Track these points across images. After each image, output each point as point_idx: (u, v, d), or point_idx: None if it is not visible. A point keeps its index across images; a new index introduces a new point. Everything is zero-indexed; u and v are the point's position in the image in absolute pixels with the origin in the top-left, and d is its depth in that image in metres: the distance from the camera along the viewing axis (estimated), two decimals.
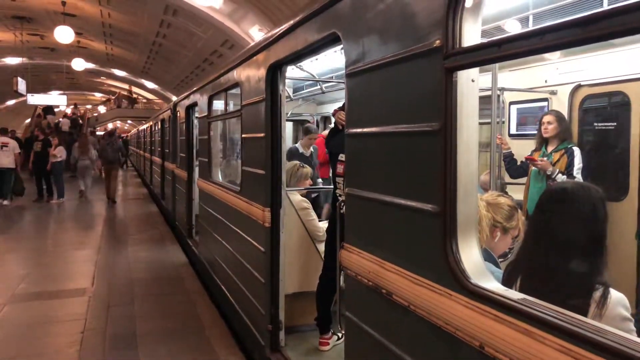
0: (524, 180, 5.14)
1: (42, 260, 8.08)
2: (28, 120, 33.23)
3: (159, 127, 14.26)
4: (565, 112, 5.16)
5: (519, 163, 5.17)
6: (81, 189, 15.88)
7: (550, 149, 4.83)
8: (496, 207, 2.47)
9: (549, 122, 4.79)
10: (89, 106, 40.24)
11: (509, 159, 5.21)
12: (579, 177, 4.56)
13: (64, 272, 7.48)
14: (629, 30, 1.18)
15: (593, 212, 1.88)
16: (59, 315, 5.55)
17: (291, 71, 5.82)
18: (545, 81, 5.47)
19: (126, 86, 39.07)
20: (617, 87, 4.90)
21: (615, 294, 1.80)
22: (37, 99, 28.76)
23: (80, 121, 32.52)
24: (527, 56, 1.66)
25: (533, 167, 4.82)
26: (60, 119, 30.54)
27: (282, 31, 3.57)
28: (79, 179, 15.84)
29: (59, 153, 14.90)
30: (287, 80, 3.97)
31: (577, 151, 4.67)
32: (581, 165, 4.63)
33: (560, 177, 4.54)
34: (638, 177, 4.64)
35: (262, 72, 3.99)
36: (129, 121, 52.95)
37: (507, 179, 5.47)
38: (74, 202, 15.25)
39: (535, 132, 5.47)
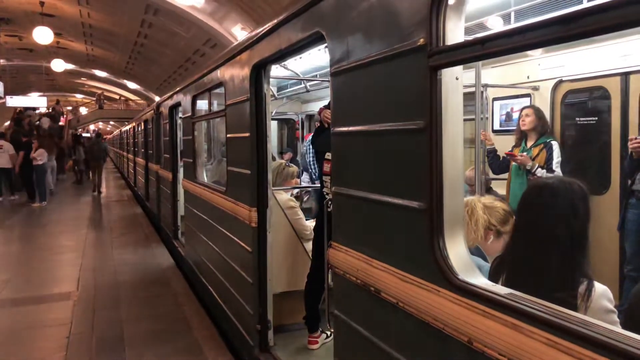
0: (507, 175, 5.20)
1: (25, 265, 7.95)
2: (7, 123, 32.67)
3: (142, 128, 14.12)
4: (547, 108, 5.24)
5: (501, 159, 5.23)
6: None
7: (529, 144, 4.90)
8: (492, 210, 2.52)
9: (526, 115, 4.88)
10: (69, 108, 39.61)
11: (492, 154, 5.26)
12: (558, 170, 4.64)
13: (47, 276, 7.38)
14: (608, 28, 1.20)
15: (575, 206, 1.90)
16: (43, 320, 5.47)
17: (275, 70, 5.79)
18: (528, 77, 5.54)
19: (106, 87, 38.59)
20: (597, 82, 4.98)
21: (599, 287, 1.83)
22: (16, 101, 28.33)
23: (62, 118, 31.98)
24: (510, 54, 1.68)
25: (514, 163, 4.88)
26: (40, 119, 30.06)
27: (265, 30, 3.56)
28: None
29: (39, 156, 14.75)
30: (271, 79, 3.96)
31: (555, 145, 4.74)
32: (560, 159, 4.71)
33: (540, 172, 4.61)
34: (619, 171, 4.73)
35: (246, 72, 3.97)
36: (112, 122, 52.40)
37: (492, 174, 5.53)
38: (57, 205, 15.04)
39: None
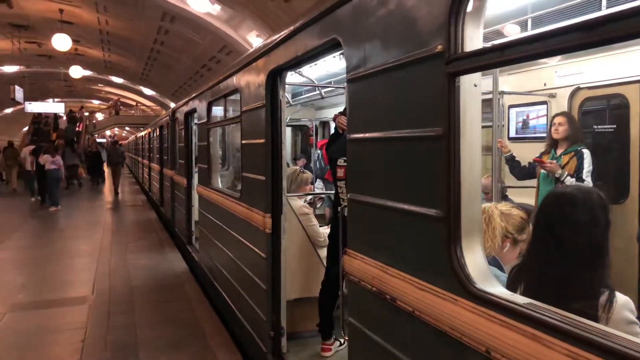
0: (527, 183, 5.12)
1: (42, 269, 8.05)
2: (26, 129, 33.23)
3: (158, 133, 14.26)
4: None
5: (522, 164, 5.13)
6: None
7: (559, 151, 4.72)
8: (509, 217, 2.49)
9: (559, 124, 4.68)
10: (86, 114, 40.16)
11: (512, 161, 5.18)
12: (588, 180, 4.44)
13: (63, 280, 7.45)
14: (630, 35, 1.18)
15: (594, 216, 1.87)
16: (59, 324, 5.53)
17: (290, 76, 5.81)
18: (545, 84, 5.49)
19: (122, 93, 39.10)
20: (616, 90, 4.91)
21: (621, 298, 1.79)
22: (35, 107, 28.82)
23: (79, 118, 32.54)
24: (530, 60, 1.67)
25: (542, 170, 4.75)
26: (58, 119, 30.66)
27: (282, 37, 3.57)
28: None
29: (44, 161, 15.05)
30: (286, 86, 3.98)
31: (587, 154, 4.54)
32: (591, 168, 4.50)
33: (569, 180, 4.41)
34: (638, 179, 4.65)
35: (261, 78, 3.99)
36: (127, 128, 53.02)
37: (508, 182, 5.47)
38: (72, 210, 15.23)
39: (534, 135, 5.47)
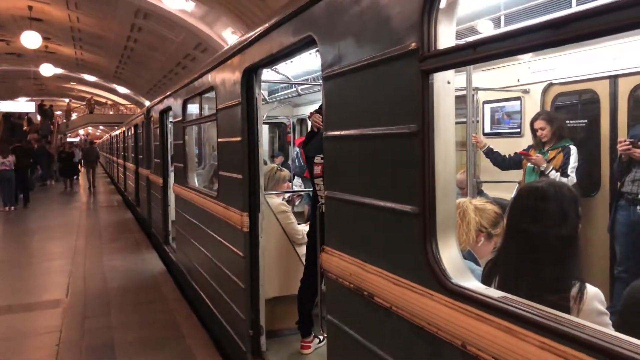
0: (503, 177, 5.19)
1: (12, 272, 7.86)
2: None
3: (132, 132, 14.04)
4: (537, 110, 5.26)
5: (503, 154, 5.20)
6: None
7: (547, 147, 4.80)
8: (483, 212, 2.53)
9: (541, 128, 4.76)
10: (59, 112, 39.26)
11: (491, 153, 5.24)
12: (573, 175, 4.55)
13: (36, 283, 7.29)
14: (599, 32, 1.21)
15: (565, 210, 1.92)
16: (32, 328, 5.41)
17: (266, 74, 5.79)
18: (518, 80, 5.57)
19: (95, 91, 38.34)
20: (586, 86, 5.02)
21: (591, 289, 1.84)
22: (5, 106, 28.08)
23: (51, 113, 31.80)
24: (502, 58, 1.69)
25: (528, 163, 4.82)
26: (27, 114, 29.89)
27: (257, 34, 3.55)
28: None
29: None
30: (262, 83, 3.95)
31: (573, 150, 4.63)
32: (576, 164, 4.60)
33: (554, 174, 4.52)
34: (609, 173, 4.77)
35: (237, 76, 3.96)
36: (101, 127, 52.04)
37: (483, 177, 5.55)
38: (45, 211, 14.89)
39: (509, 130, 5.55)
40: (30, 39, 17.64)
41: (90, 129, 54.08)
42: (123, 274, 7.60)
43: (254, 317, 3.87)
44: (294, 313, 4.24)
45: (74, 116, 39.01)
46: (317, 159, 3.88)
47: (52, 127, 31.42)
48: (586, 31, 1.22)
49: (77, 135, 47.58)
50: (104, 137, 41.18)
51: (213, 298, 5.01)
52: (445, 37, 1.76)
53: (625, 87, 4.67)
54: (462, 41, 1.77)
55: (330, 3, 2.43)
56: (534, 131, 4.86)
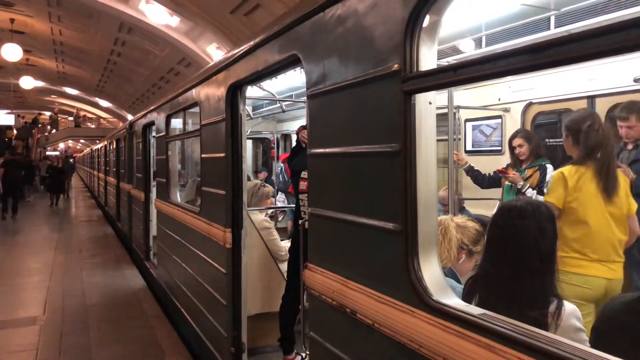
0: (485, 195, 5.26)
1: None
2: None
3: (114, 146, 13.91)
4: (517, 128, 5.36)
5: (484, 173, 5.27)
6: None
7: (524, 165, 4.87)
8: (464, 229, 2.56)
9: (519, 145, 4.82)
10: (39, 125, 38.70)
11: (472, 171, 5.31)
12: None
13: (12, 300, 7.12)
14: (576, 58, 1.26)
15: (543, 228, 1.96)
16: (8, 346, 5.26)
17: (251, 90, 5.81)
18: (499, 99, 5.70)
19: (77, 104, 37.95)
20: (565, 105, 5.16)
21: (568, 306, 1.88)
22: None
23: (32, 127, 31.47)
24: (481, 80, 1.74)
25: (506, 182, 4.88)
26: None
27: (242, 51, 3.58)
28: None
29: None
30: (247, 100, 3.97)
31: (550, 168, 4.70)
32: None
33: (530, 192, 4.58)
34: None
35: (222, 92, 3.97)
36: (82, 140, 51.43)
37: (465, 194, 5.62)
38: (22, 225, 14.61)
39: (491, 148, 5.64)
40: (11, 52, 17.46)
41: (70, 143, 53.42)
42: (103, 290, 7.46)
43: (236, 334, 3.84)
44: (276, 330, 4.22)
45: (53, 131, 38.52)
46: (304, 174, 3.90)
47: (33, 131, 31.05)
48: (564, 56, 1.26)
49: (57, 148, 46.90)
50: (85, 150, 40.64)
51: (194, 315, 4.95)
52: (427, 58, 1.80)
53: (602, 107, 4.80)
54: (444, 61, 1.82)
55: (315, 23, 2.47)
56: (512, 149, 4.94)
